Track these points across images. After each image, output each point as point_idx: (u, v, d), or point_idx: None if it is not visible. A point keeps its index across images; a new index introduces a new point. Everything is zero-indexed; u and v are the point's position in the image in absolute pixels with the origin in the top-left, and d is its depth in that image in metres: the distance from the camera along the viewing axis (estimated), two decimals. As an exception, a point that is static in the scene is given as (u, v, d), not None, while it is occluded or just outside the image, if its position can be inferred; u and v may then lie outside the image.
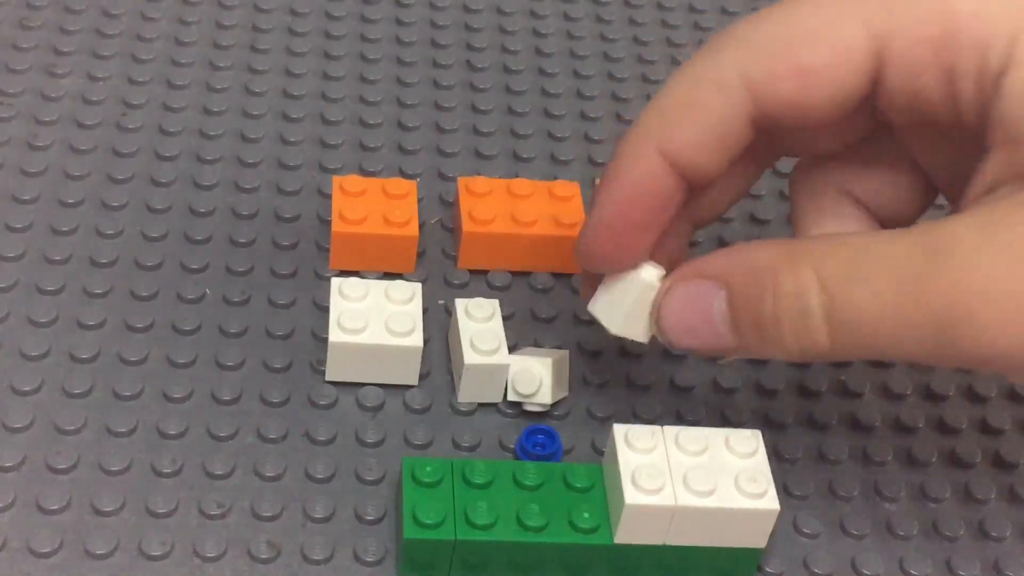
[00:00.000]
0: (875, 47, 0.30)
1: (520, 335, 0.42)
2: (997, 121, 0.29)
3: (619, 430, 0.35)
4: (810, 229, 0.36)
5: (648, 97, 0.53)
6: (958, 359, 0.29)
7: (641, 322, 0.35)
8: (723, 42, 0.32)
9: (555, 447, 0.38)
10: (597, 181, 0.35)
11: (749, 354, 0.33)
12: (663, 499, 0.34)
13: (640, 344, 0.37)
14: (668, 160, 0.33)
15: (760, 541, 0.35)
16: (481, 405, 0.40)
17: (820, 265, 0.30)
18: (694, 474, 0.34)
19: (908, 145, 0.35)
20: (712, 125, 0.32)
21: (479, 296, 0.42)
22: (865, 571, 0.37)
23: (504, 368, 0.39)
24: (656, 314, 0.34)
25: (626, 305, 0.35)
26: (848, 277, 0.29)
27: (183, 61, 0.52)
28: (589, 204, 0.36)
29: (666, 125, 0.32)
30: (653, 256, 0.35)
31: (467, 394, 0.40)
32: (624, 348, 0.43)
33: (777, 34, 0.31)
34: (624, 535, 0.34)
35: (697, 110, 0.32)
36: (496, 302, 0.41)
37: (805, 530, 0.38)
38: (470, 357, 0.39)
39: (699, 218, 0.38)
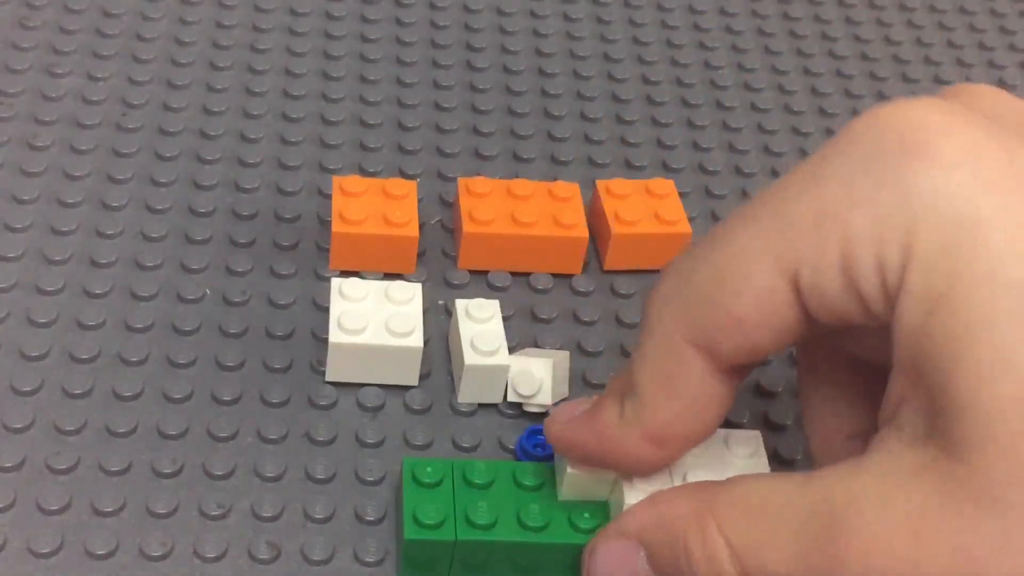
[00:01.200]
0: (790, 280, 0.30)
1: (520, 335, 0.42)
2: (895, 340, 0.29)
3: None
4: (810, 395, 0.36)
5: (647, 98, 0.54)
6: None
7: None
8: (660, 307, 0.32)
9: (555, 447, 0.38)
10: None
11: None
12: (663, 499, 0.34)
13: None
14: (651, 442, 0.33)
15: (760, 542, 0.35)
16: (481, 406, 0.40)
17: (725, 525, 0.30)
18: (694, 474, 0.34)
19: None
20: (687, 399, 0.32)
21: (479, 296, 0.42)
22: (865, 572, 0.37)
23: (504, 369, 0.39)
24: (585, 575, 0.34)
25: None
26: (755, 540, 0.30)
27: (183, 61, 0.52)
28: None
29: (645, 411, 0.32)
30: None
31: (467, 395, 0.40)
32: (624, 348, 0.43)
33: (705, 290, 0.31)
34: (624, 535, 0.34)
35: (670, 390, 0.32)
36: (496, 303, 0.41)
37: (805, 531, 0.38)
38: (470, 358, 0.39)
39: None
